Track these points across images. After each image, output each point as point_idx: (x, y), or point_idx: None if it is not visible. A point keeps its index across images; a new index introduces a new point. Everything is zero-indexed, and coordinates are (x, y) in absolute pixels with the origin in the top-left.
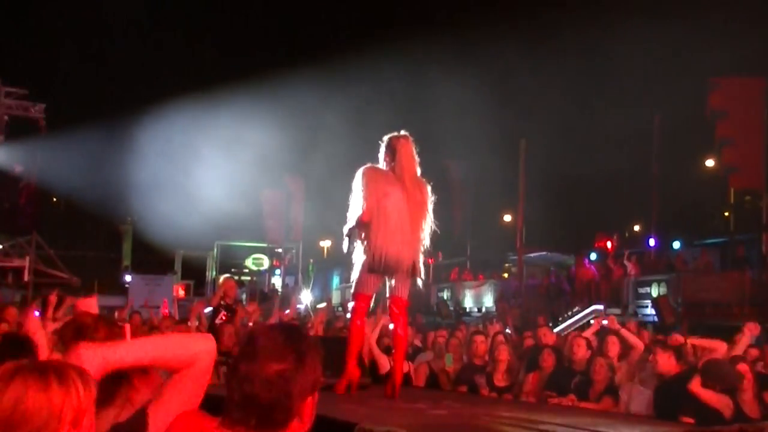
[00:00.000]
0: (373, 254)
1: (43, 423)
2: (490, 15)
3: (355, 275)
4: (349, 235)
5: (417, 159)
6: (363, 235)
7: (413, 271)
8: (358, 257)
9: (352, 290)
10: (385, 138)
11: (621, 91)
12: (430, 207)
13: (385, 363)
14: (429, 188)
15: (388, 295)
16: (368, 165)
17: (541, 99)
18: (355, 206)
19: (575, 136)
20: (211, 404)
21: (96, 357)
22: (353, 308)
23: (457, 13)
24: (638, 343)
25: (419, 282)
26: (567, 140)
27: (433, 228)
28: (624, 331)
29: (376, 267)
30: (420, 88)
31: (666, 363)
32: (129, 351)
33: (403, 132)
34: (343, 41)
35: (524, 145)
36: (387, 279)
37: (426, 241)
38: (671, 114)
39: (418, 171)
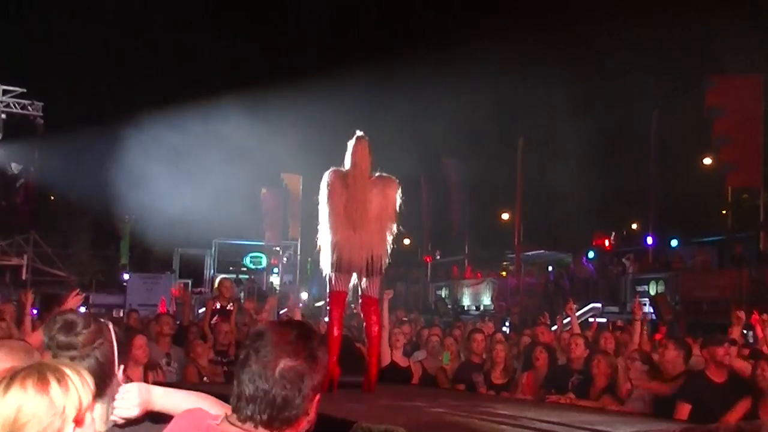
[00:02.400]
0: (336, 254)
1: (48, 425)
2: (489, 14)
3: (325, 274)
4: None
5: (370, 158)
6: (326, 235)
7: (377, 269)
8: (324, 257)
9: (327, 289)
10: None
11: (618, 89)
12: (396, 204)
13: (386, 356)
14: (397, 186)
15: (359, 293)
16: (331, 168)
17: (539, 97)
18: (321, 209)
19: (573, 134)
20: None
21: (143, 393)
22: (329, 306)
23: (457, 13)
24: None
25: (378, 278)
26: (565, 139)
27: (395, 229)
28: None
29: (340, 266)
30: (418, 88)
31: (674, 361)
32: (171, 400)
33: (359, 133)
34: (342, 41)
35: (522, 143)
36: (356, 277)
37: (390, 238)
38: (669, 112)
39: (370, 170)
